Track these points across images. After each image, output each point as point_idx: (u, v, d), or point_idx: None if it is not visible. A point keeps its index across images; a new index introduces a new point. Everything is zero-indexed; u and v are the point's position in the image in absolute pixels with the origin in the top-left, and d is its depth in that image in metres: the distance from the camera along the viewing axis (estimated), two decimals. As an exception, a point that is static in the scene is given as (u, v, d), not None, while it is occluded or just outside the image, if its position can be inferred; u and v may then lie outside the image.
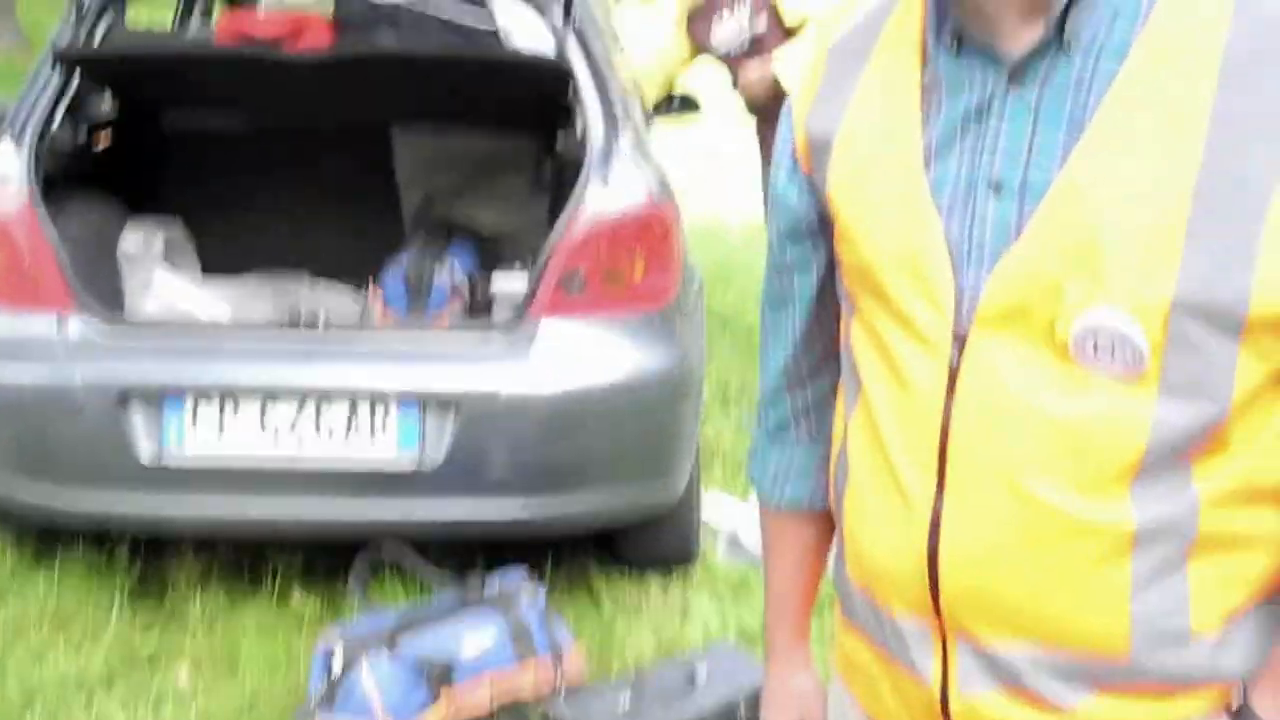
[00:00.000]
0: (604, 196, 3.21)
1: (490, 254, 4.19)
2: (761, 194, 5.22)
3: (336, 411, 3.12)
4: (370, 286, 3.94)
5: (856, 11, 1.23)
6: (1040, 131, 1.02)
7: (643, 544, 3.59)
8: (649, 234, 3.25)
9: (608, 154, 3.28)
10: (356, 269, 4.04)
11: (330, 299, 3.94)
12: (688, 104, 5.07)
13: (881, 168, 1.12)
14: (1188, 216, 0.95)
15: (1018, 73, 1.03)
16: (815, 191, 1.21)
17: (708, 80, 5.53)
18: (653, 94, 5.09)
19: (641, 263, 3.24)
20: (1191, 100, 0.96)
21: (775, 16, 4.94)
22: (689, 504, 3.58)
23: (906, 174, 1.10)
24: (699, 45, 5.19)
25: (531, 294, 3.20)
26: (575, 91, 3.44)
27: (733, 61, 5.09)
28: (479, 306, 3.82)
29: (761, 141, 5.33)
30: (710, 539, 3.85)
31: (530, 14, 3.67)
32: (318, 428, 3.11)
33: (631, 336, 3.24)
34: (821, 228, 1.22)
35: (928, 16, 1.11)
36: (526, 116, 3.97)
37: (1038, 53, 1.02)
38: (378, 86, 3.77)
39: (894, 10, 1.17)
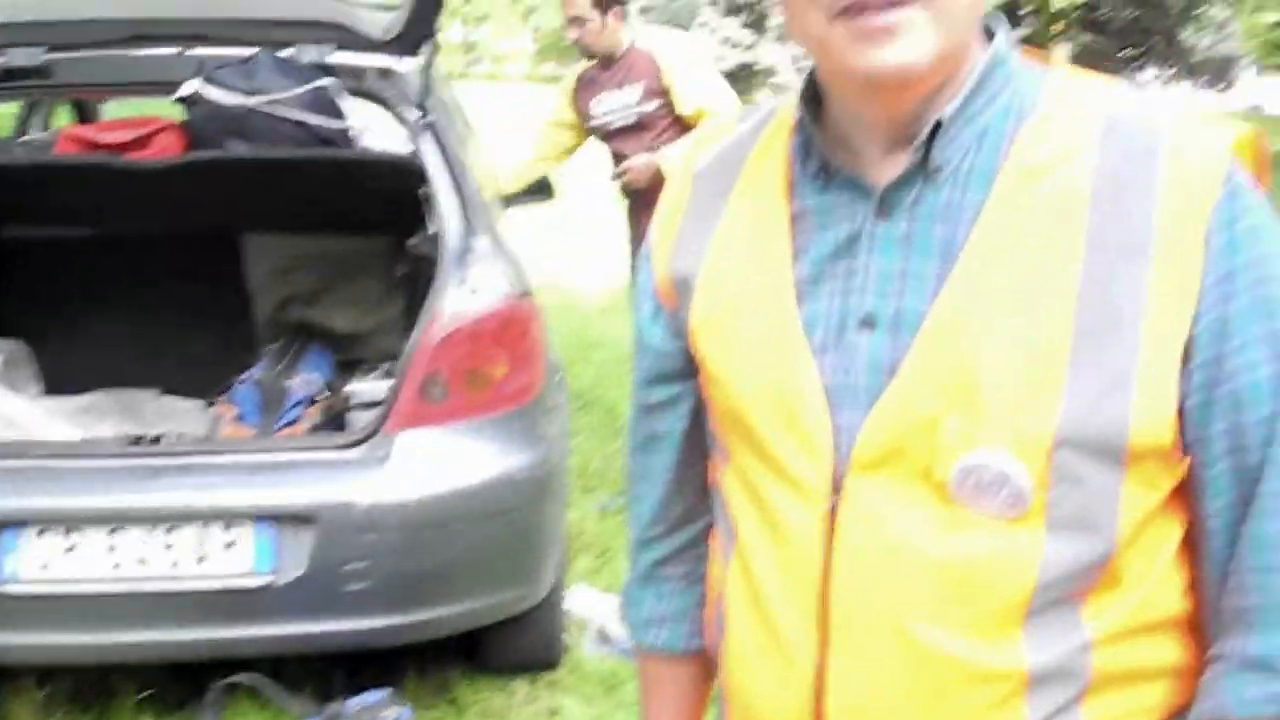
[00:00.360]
0: (462, 298, 3.15)
1: (346, 357, 4.12)
2: (629, 272, 5.13)
3: (188, 533, 2.98)
4: (221, 400, 3.82)
5: (719, 138, 1.20)
6: (911, 263, 1.00)
7: (507, 647, 3.50)
8: (509, 333, 3.20)
9: (464, 253, 3.23)
10: (207, 382, 3.92)
11: (180, 414, 3.82)
12: (541, 190, 5.05)
13: (750, 306, 1.08)
14: (1068, 347, 0.94)
15: (885, 203, 1.01)
16: (681, 332, 1.16)
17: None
18: (544, 164, 5.19)
19: (503, 363, 3.19)
20: (1062, 227, 0.96)
21: (669, 103, 4.85)
22: (554, 601, 3.51)
23: (776, 312, 1.06)
24: (583, 116, 5.10)
25: (390, 404, 3.12)
26: (430, 189, 3.40)
27: (613, 138, 5.01)
28: (336, 414, 3.73)
29: (632, 222, 5.25)
30: (577, 633, 3.78)
31: (383, 113, 3.64)
32: (168, 550, 2.97)
33: (494, 438, 3.18)
34: (689, 368, 1.18)
35: (793, 147, 1.09)
36: (381, 216, 3.92)
37: (904, 182, 1.00)
38: (229, 192, 3.70)
39: (758, 139, 1.15)
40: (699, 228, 1.14)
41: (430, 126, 3.50)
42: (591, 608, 3.86)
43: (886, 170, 1.01)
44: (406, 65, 3.70)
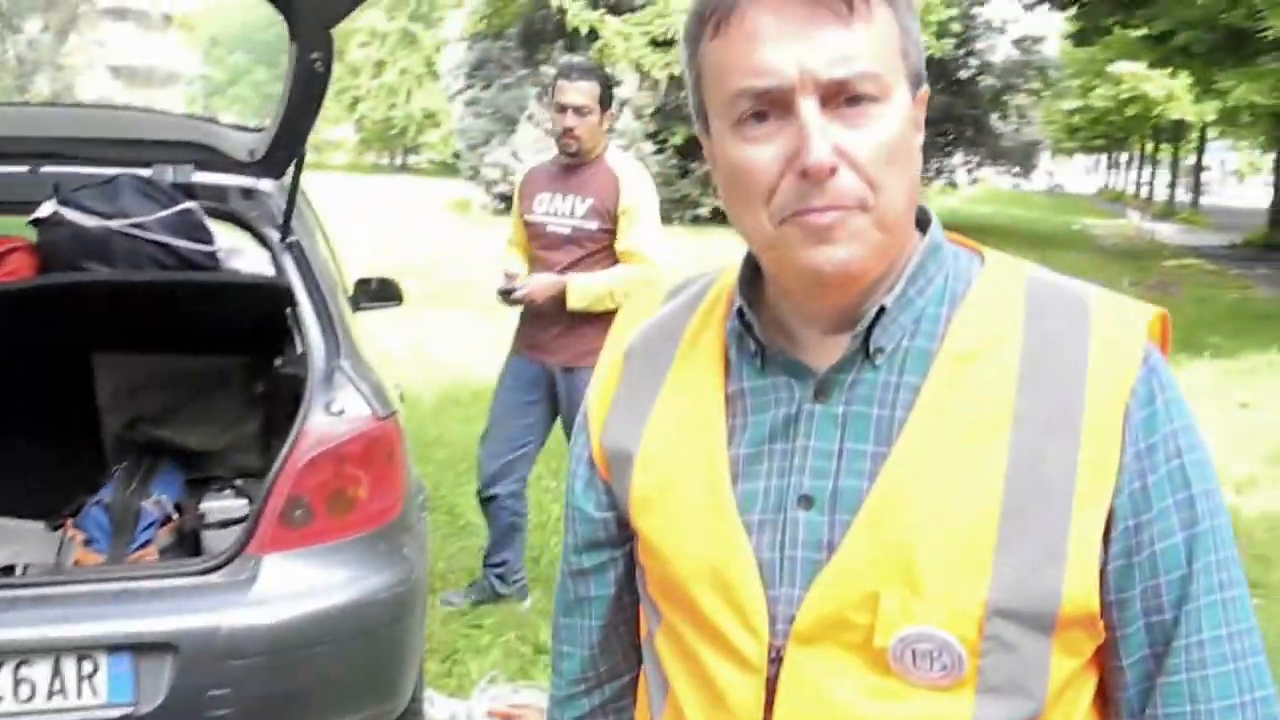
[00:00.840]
0: (327, 421, 3.17)
1: (198, 475, 4.07)
2: (501, 373, 5.01)
3: (39, 668, 2.89)
4: (68, 524, 3.72)
5: (650, 311, 1.26)
6: (848, 444, 1.06)
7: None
8: (373, 455, 3.22)
9: (329, 375, 3.25)
10: (53, 505, 3.83)
11: (24, 538, 3.71)
12: (387, 291, 5.02)
13: (686, 484, 1.13)
14: (997, 523, 1.00)
15: (824, 386, 1.08)
16: (615, 502, 1.21)
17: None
18: (520, 250, 4.83)
19: (367, 484, 3.21)
20: (993, 408, 1.03)
21: (610, 231, 4.58)
22: (414, 710, 3.54)
23: (712, 491, 1.11)
24: (522, 208, 4.79)
25: (253, 526, 3.11)
26: (293, 311, 3.42)
27: (537, 240, 4.70)
28: (188, 534, 3.69)
29: (520, 333, 4.93)
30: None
31: (246, 234, 3.66)
32: (17, 686, 2.88)
33: (357, 559, 3.18)
34: (620, 536, 1.23)
35: (729, 331, 1.15)
36: (241, 336, 3.91)
37: (843, 366, 1.07)
38: (84, 314, 3.64)
39: (693, 315, 1.20)
40: (635, 405, 1.19)
41: (293, 248, 3.54)
42: (444, 711, 3.92)
43: (824, 353, 1.09)
44: (269, 185, 3.74)
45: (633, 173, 4.70)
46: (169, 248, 3.41)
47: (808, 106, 0.99)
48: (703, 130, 1.12)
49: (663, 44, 20.98)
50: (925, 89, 1.10)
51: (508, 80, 28.24)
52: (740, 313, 1.12)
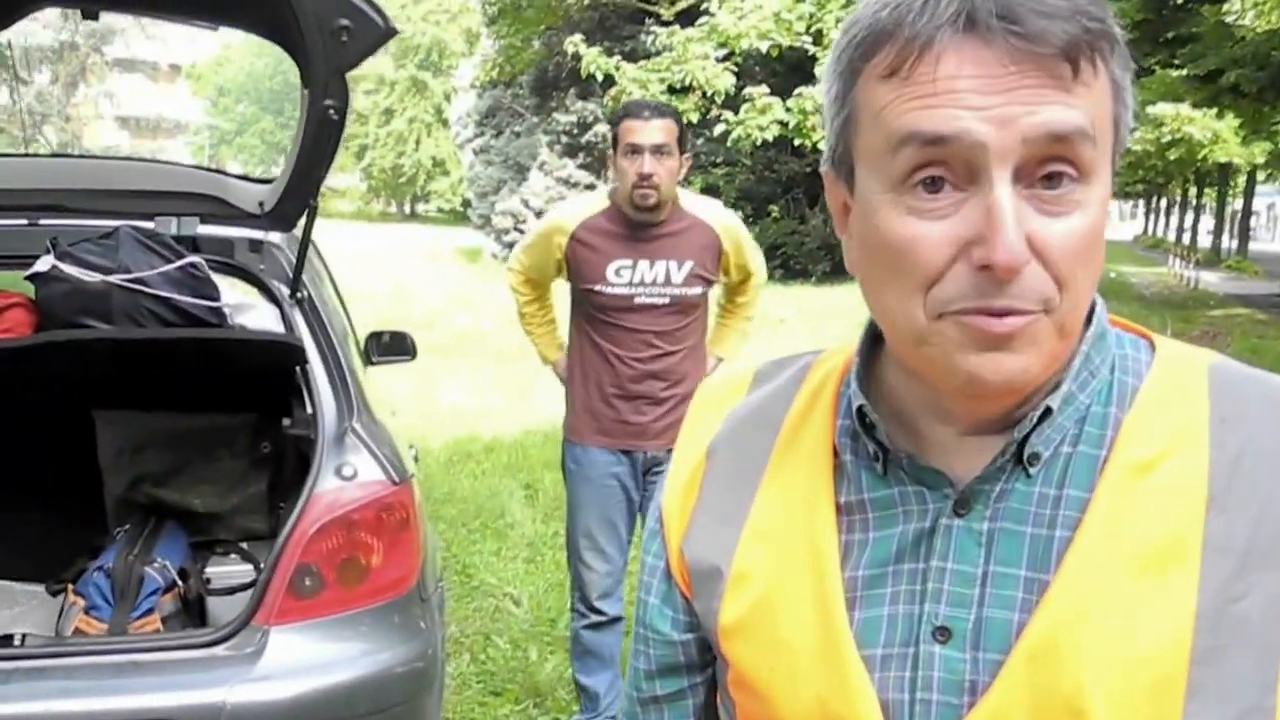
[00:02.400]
0: (338, 486, 3.07)
1: (203, 538, 3.97)
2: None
3: (39, 743, 2.79)
4: (69, 590, 3.61)
5: (739, 396, 1.10)
6: (995, 567, 0.90)
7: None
8: (386, 522, 3.12)
9: (340, 437, 3.16)
10: (53, 568, 3.72)
11: (23, 602, 3.61)
12: (399, 345, 4.92)
13: (792, 610, 0.97)
14: (1187, 668, 0.84)
15: (966, 498, 0.92)
16: (698, 623, 1.06)
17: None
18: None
19: (380, 551, 3.10)
20: (1177, 530, 0.87)
21: (711, 283, 4.05)
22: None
23: (824, 619, 0.95)
24: (583, 277, 3.97)
25: (260, 596, 3.00)
26: (304, 369, 3.33)
27: (628, 313, 3.93)
28: (194, 602, 3.58)
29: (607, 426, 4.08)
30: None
31: (255, 291, 3.58)
32: (16, 762, 2.78)
33: (371, 631, 3.07)
34: (702, 660, 1.09)
35: (840, 426, 1.00)
36: (248, 394, 3.83)
37: (990, 475, 0.91)
38: (84, 372, 3.56)
39: (792, 405, 1.05)
40: (724, 511, 1.03)
41: (304, 303, 3.46)
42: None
43: (962, 457, 0.93)
44: (278, 237, 3.66)
45: (722, 217, 4.11)
46: (171, 303, 3.31)
47: (1001, 180, 0.82)
48: (838, 178, 0.94)
49: (679, 91, 21.01)
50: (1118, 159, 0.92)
51: (519, 128, 28.36)
52: (861, 413, 0.96)
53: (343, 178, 69.86)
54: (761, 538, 1.00)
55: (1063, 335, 0.87)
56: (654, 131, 3.83)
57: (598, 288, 3.94)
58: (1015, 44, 0.80)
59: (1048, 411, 0.90)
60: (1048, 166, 0.83)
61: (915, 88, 0.83)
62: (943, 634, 0.91)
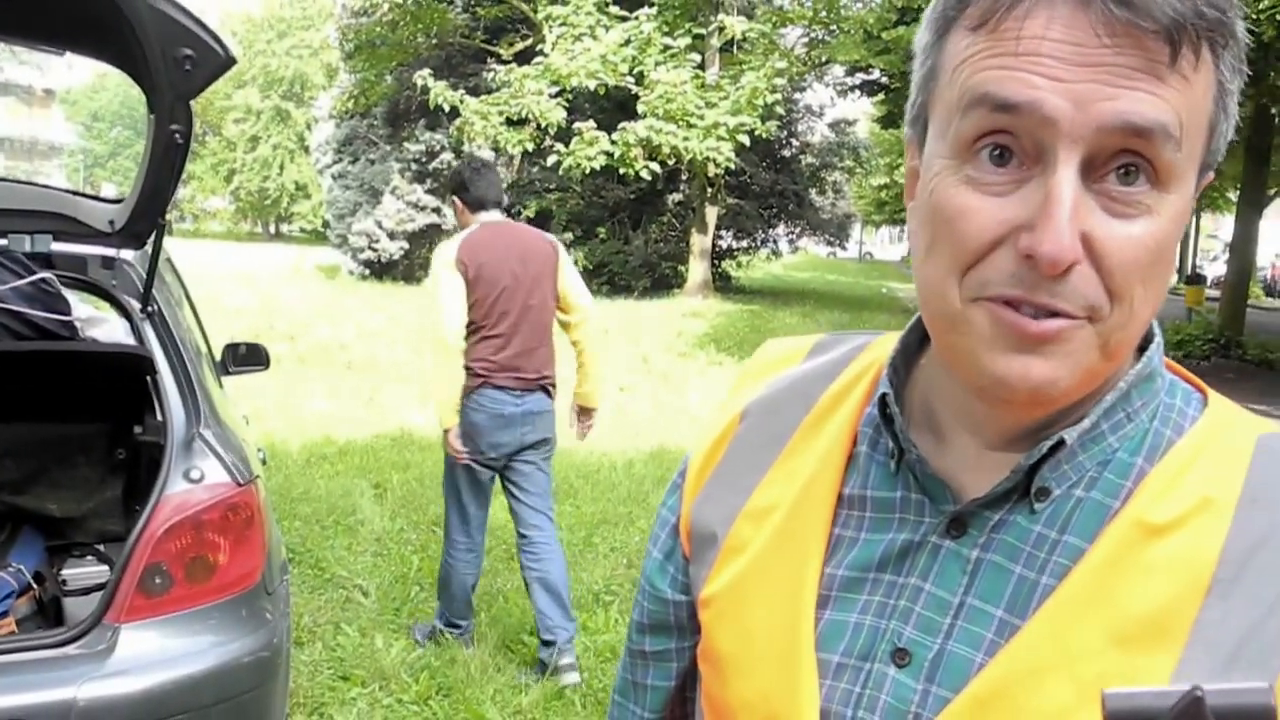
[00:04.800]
0: (186, 488, 2.91)
1: (59, 542, 3.73)
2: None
3: (-117, 748, 2.57)
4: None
5: (793, 363, 0.95)
6: (972, 599, 0.76)
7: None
8: (233, 521, 2.97)
9: (189, 442, 3.00)
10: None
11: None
12: (254, 355, 4.70)
13: (765, 593, 0.84)
14: None
15: (962, 519, 0.77)
16: (691, 585, 0.93)
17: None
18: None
19: (226, 549, 2.95)
20: (1170, 609, 0.70)
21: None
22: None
23: (792, 611, 0.82)
24: None
25: (110, 595, 2.82)
26: (154, 379, 3.15)
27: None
28: (50, 604, 3.35)
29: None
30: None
31: (106, 305, 3.37)
32: None
33: (219, 625, 2.92)
34: (692, 625, 0.94)
35: (866, 415, 0.86)
36: (102, 404, 3.61)
37: (993, 500, 0.76)
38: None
39: (832, 384, 0.90)
40: (737, 478, 0.89)
41: (154, 317, 3.27)
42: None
43: (977, 473, 0.78)
44: (131, 254, 3.47)
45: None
46: (24, 317, 3.10)
47: (1066, 165, 0.66)
48: (915, 141, 0.78)
49: (516, 123, 20.90)
50: (1212, 173, 0.75)
51: (373, 155, 27.86)
52: (883, 402, 0.81)
53: (213, 200, 67.84)
54: (759, 514, 0.87)
55: (1106, 355, 0.71)
56: None
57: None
58: (1115, 11, 0.65)
59: (1060, 443, 0.74)
60: (1122, 159, 0.67)
61: (998, 44, 0.68)
62: (902, 656, 0.77)
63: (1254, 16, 10.37)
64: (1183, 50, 0.66)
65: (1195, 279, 22.72)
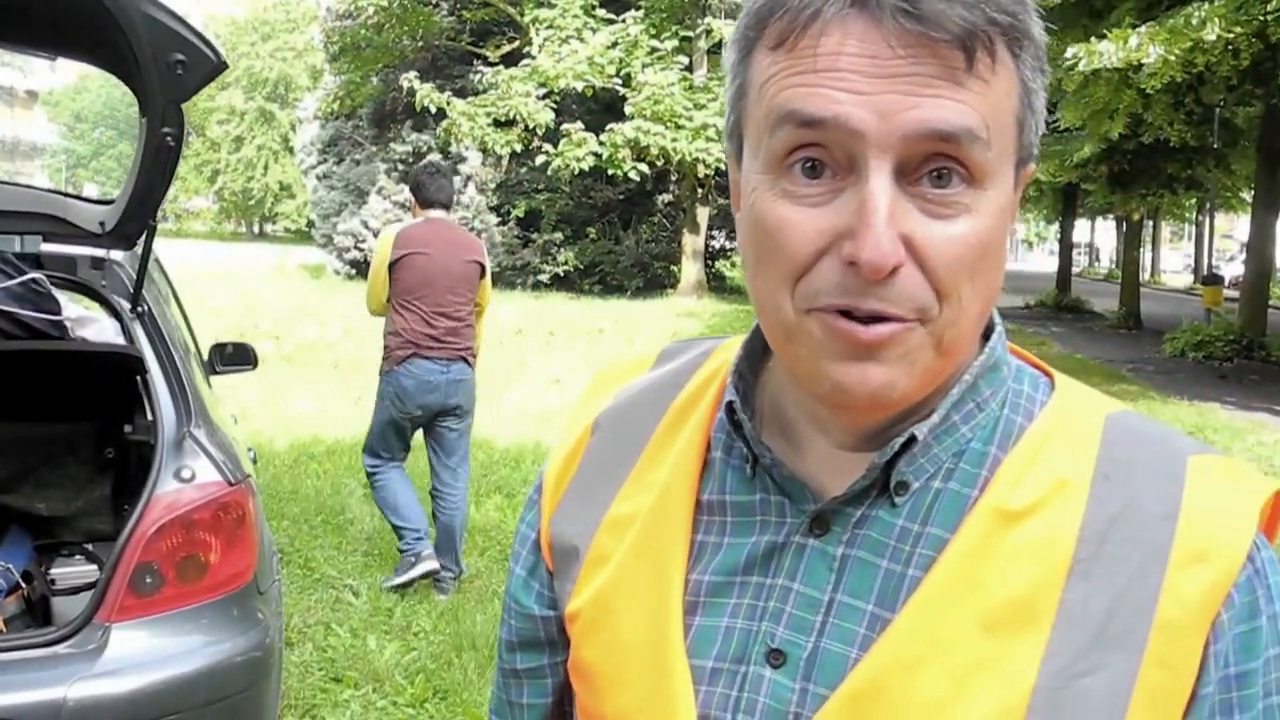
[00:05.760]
0: (177, 488, 2.93)
1: (48, 541, 3.74)
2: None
3: (-125, 747, 2.58)
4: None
5: (638, 374, 0.95)
6: (842, 596, 0.76)
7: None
8: (223, 520, 2.99)
9: (179, 442, 3.02)
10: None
11: None
12: (241, 355, 4.78)
13: (631, 604, 0.83)
14: None
15: (824, 518, 0.78)
16: (557, 602, 0.91)
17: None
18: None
19: (218, 549, 2.97)
20: (1034, 591, 0.72)
21: None
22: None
23: (659, 620, 0.81)
24: None
25: (101, 594, 2.83)
26: (144, 378, 3.17)
27: None
28: (39, 603, 3.36)
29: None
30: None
31: (97, 305, 3.39)
32: None
33: (210, 625, 2.93)
34: (563, 640, 0.92)
35: (716, 426, 0.85)
36: (92, 403, 3.62)
37: (853, 498, 0.77)
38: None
39: (681, 392, 0.90)
40: (594, 491, 0.89)
41: (144, 317, 3.29)
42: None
43: (832, 472, 0.79)
44: (120, 255, 3.48)
45: None
46: (14, 317, 3.12)
47: (878, 173, 0.68)
48: (733, 155, 0.79)
49: (504, 124, 20.92)
50: (1033, 166, 0.78)
51: (359, 156, 27.87)
52: (730, 409, 0.81)
53: (197, 200, 67.69)
54: (619, 524, 0.86)
55: (941, 353, 0.72)
56: None
57: None
58: (907, 25, 0.67)
59: (912, 439, 0.75)
60: (934, 164, 0.69)
61: (798, 62, 0.69)
62: (776, 657, 0.77)
63: (1262, 19, 10.42)
64: (977, 55, 0.68)
65: (1213, 279, 22.43)
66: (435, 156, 24.99)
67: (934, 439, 0.77)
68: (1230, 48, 11.14)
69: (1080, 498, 0.74)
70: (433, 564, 5.33)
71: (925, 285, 0.69)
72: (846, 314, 0.70)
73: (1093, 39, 11.16)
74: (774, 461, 0.79)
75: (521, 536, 0.96)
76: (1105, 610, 0.71)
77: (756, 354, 0.85)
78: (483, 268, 5.41)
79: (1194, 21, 10.42)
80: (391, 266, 5.19)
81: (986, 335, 0.81)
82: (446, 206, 5.39)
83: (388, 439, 5.38)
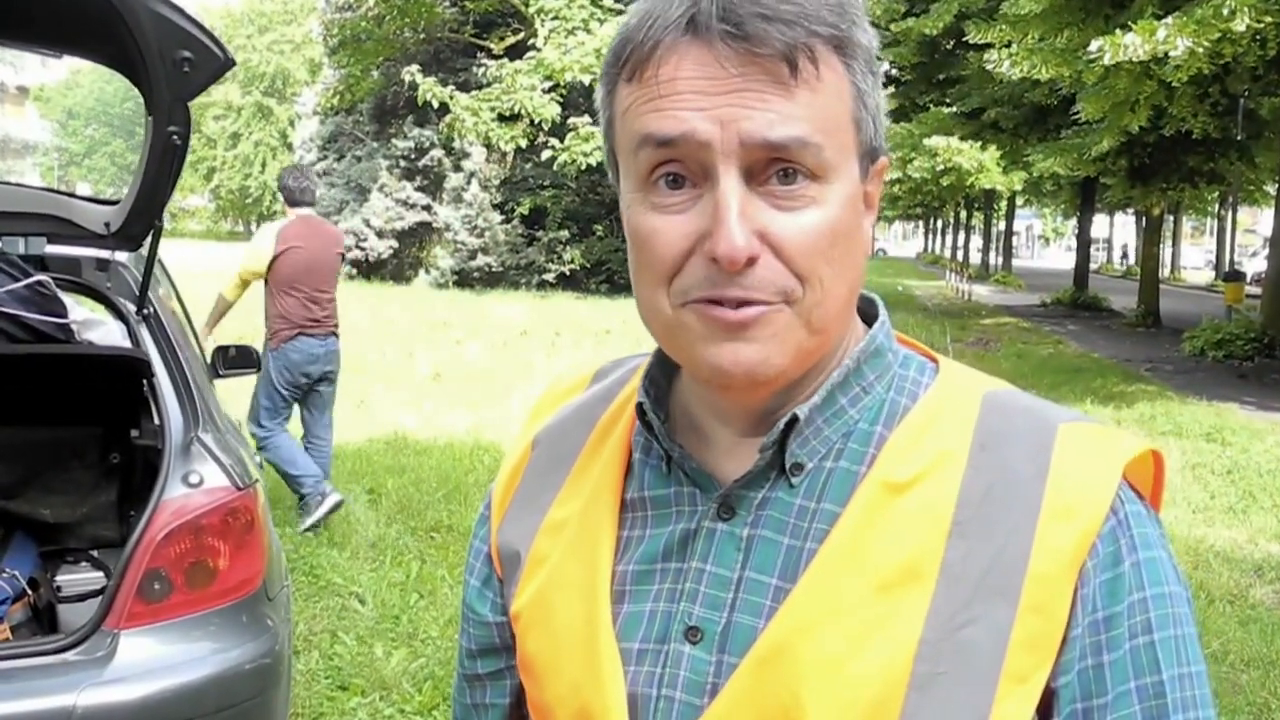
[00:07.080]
0: (185, 493, 2.96)
1: (53, 547, 3.78)
2: None
3: (-117, 756, 2.61)
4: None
5: (577, 392, 1.06)
6: (749, 573, 0.85)
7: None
8: (232, 526, 3.02)
9: (187, 447, 3.05)
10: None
11: None
12: (245, 358, 4.87)
13: (566, 601, 0.93)
14: (904, 693, 0.78)
15: (728, 502, 0.87)
16: (506, 604, 1.01)
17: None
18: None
19: (227, 555, 3.00)
20: (918, 554, 0.81)
21: None
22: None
23: (589, 609, 0.91)
24: None
25: (109, 601, 2.86)
26: (150, 382, 3.20)
27: None
28: (45, 610, 3.40)
29: None
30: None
31: (102, 307, 3.42)
32: None
33: (219, 631, 2.96)
34: (515, 641, 1.01)
35: (635, 431, 0.95)
36: (97, 407, 3.65)
37: (753, 480, 0.86)
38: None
39: (609, 405, 1.00)
40: (534, 501, 0.99)
41: (150, 319, 3.33)
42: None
43: (737, 461, 0.88)
44: (125, 256, 3.52)
45: None
46: (19, 320, 3.15)
47: (727, 177, 0.78)
48: (615, 180, 0.90)
49: (509, 119, 20.94)
50: (884, 160, 0.89)
51: (360, 152, 27.90)
52: (641, 411, 0.91)
53: (192, 199, 67.79)
54: (555, 528, 0.97)
55: (812, 331, 0.82)
56: None
57: None
58: (734, 45, 0.77)
59: (795, 420, 0.85)
60: (777, 165, 0.79)
61: (647, 89, 0.80)
62: (694, 634, 0.86)
63: (1276, 22, 10.41)
64: (800, 66, 0.78)
65: (1234, 275, 22.24)
66: (438, 153, 24.98)
67: (824, 422, 0.86)
68: (1258, 38, 11.13)
69: (959, 467, 0.83)
70: (337, 497, 6.51)
71: (785, 272, 0.79)
72: (716, 303, 0.80)
73: (1117, 31, 11.14)
74: (684, 456, 0.90)
75: (475, 550, 1.06)
76: (983, 566, 0.80)
77: (669, 360, 0.94)
78: (343, 255, 7.03)
79: (1224, 12, 10.39)
80: (273, 260, 6.36)
81: (872, 324, 0.92)
82: (312, 204, 6.70)
83: (275, 406, 6.54)
